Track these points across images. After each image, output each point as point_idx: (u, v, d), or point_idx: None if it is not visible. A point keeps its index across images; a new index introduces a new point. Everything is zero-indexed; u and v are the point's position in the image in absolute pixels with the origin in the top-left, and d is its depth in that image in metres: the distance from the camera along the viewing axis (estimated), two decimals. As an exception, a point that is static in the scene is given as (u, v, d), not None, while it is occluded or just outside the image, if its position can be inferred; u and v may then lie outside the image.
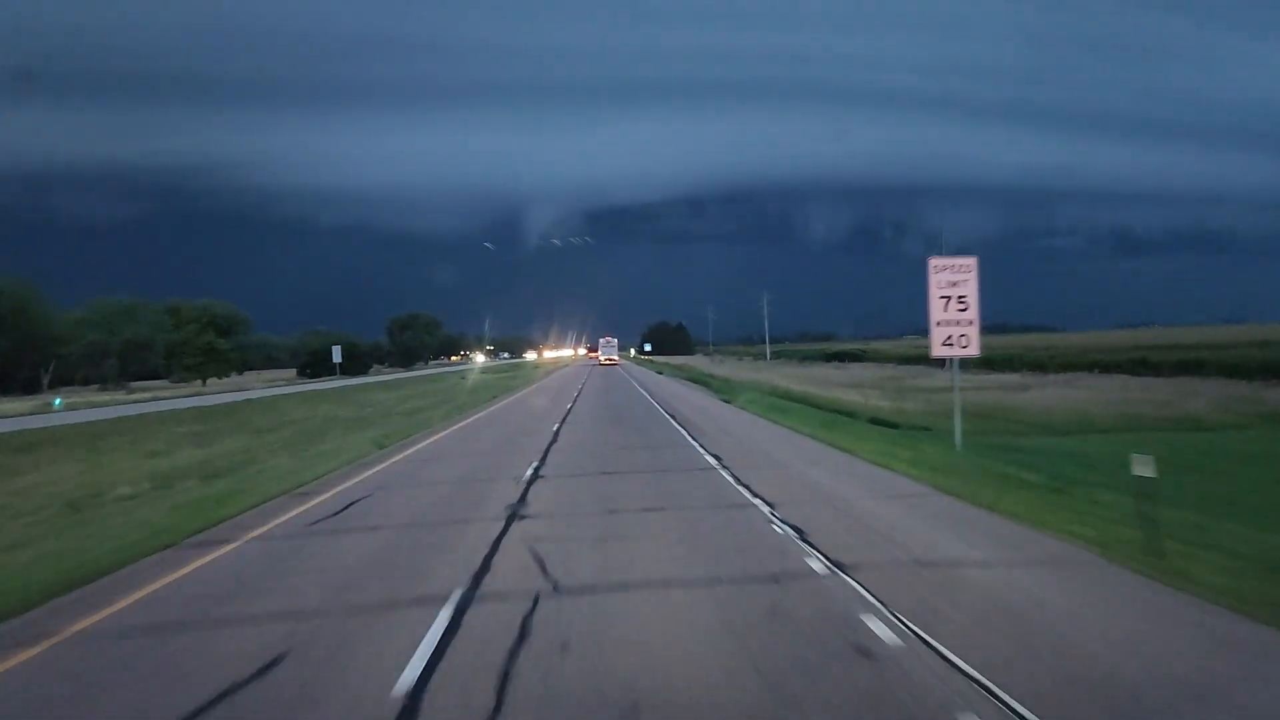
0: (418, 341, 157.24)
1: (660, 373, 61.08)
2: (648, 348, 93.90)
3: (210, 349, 76.06)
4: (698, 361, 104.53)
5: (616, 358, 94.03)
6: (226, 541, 9.07)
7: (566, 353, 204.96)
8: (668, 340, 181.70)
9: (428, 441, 19.44)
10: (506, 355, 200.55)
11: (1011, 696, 4.41)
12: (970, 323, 14.67)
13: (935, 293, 14.72)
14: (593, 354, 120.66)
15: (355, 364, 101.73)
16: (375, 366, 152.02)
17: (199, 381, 79.18)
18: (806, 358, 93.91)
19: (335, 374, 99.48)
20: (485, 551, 8.13)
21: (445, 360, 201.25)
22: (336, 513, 10.64)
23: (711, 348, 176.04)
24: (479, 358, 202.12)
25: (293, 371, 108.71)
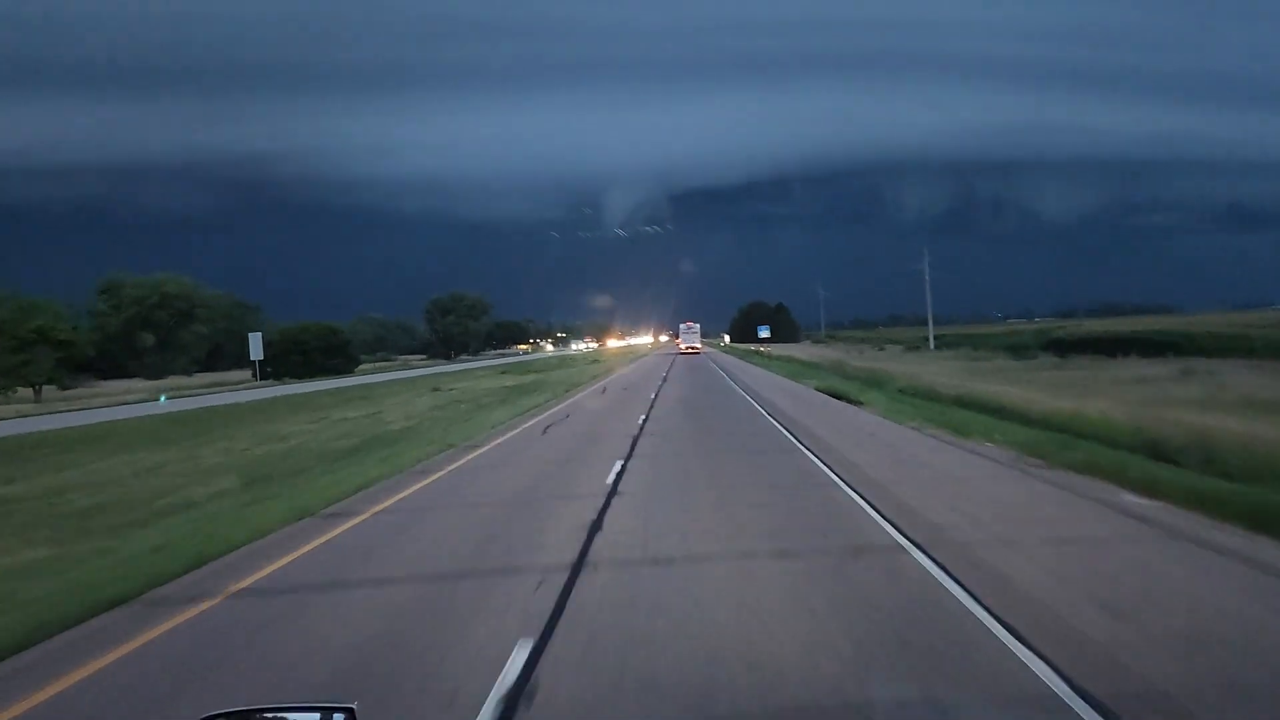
0: (460, 328, 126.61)
1: (856, 401, 21.36)
2: (764, 331, 57.19)
3: (39, 339, 44.48)
4: (823, 353, 69.18)
5: (699, 345, 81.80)
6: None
7: (644, 340, 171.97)
8: (767, 325, 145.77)
9: None
10: (588, 344, 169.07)
11: None
12: None
13: None
14: (677, 340, 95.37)
15: (336, 358, 70.77)
16: (403, 359, 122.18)
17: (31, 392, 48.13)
18: (1014, 347, 57.03)
19: (300, 374, 68.85)
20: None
21: (510, 349, 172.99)
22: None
23: (824, 333, 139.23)
24: (548, 347, 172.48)
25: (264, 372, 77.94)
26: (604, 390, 29.72)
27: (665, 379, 34.98)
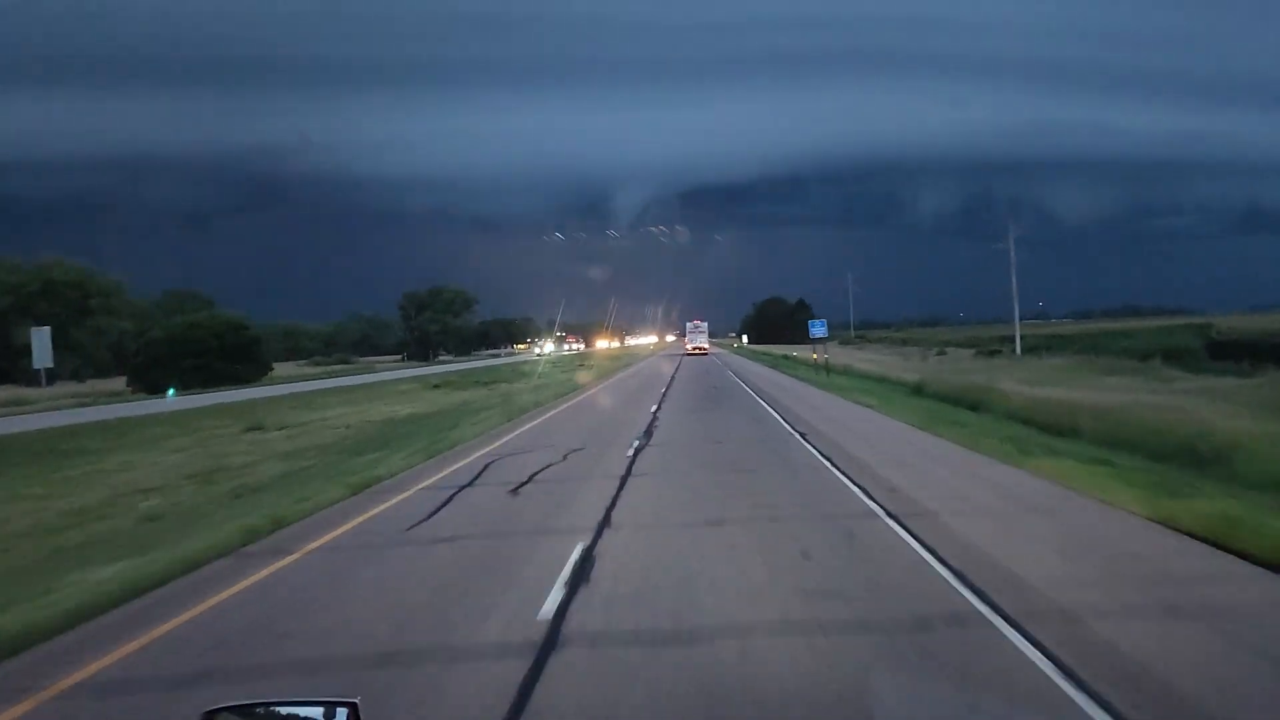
0: (437, 325, 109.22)
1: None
2: (819, 329, 36.50)
3: None
4: (875, 359, 51.60)
5: (707, 345, 75.54)
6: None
7: (646, 340, 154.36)
8: (784, 324, 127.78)
9: None
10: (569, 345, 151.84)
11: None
12: None
13: None
14: (685, 340, 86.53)
15: (241, 361, 53.40)
16: (366, 361, 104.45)
17: None
18: (1174, 355, 39.06)
19: (184, 383, 51.25)
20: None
21: (505, 349, 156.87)
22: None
23: (853, 334, 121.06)
24: (547, 346, 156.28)
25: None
26: (483, 463, 12.00)
27: (653, 423, 17.29)
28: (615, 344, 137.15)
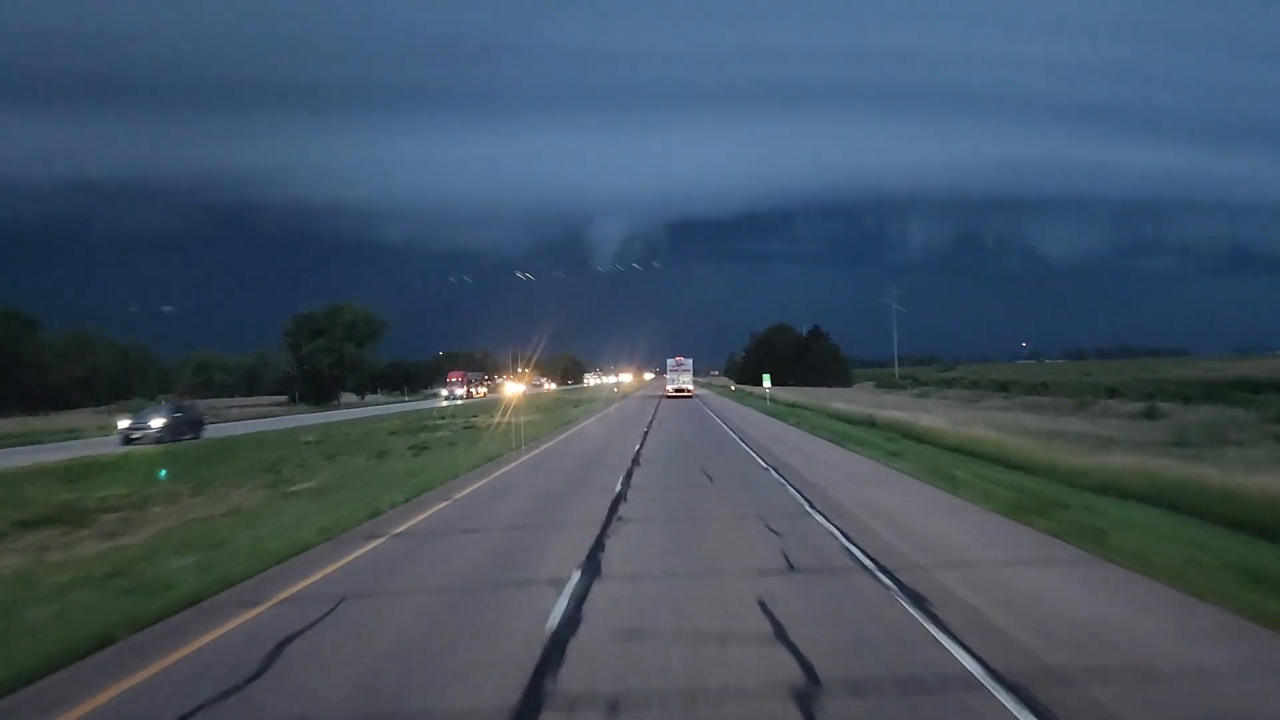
0: (332, 356, 78.82)
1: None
2: None
3: None
4: (1032, 425, 21.96)
5: (691, 387, 67.31)
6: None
7: (613, 379, 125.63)
8: (796, 360, 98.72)
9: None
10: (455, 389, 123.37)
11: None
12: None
13: None
14: (664, 378, 73.41)
15: None
16: (214, 404, 74.23)
17: None
18: None
19: None
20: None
21: (450, 390, 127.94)
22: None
23: (896, 372, 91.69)
24: (510, 387, 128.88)
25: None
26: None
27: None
28: (549, 387, 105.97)
